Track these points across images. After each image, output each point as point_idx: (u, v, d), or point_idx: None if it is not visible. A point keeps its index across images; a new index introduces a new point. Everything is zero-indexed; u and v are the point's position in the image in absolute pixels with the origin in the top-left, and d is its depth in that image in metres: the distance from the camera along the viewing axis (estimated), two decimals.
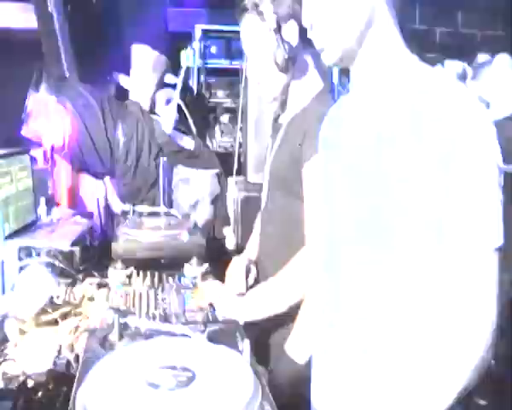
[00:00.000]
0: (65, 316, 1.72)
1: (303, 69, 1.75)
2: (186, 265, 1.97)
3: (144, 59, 3.05)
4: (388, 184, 1.06)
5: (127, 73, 3.11)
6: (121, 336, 1.18)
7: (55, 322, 1.69)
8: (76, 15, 2.94)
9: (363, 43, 1.14)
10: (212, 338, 1.14)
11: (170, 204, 2.53)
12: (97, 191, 2.79)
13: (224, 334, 1.20)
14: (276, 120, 1.92)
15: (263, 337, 1.77)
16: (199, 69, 3.89)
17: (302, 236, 1.64)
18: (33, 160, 2.56)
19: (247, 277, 1.90)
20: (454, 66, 3.46)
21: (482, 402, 2.26)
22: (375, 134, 1.10)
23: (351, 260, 1.14)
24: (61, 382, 1.22)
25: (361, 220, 1.12)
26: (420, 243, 1.04)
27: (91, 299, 1.85)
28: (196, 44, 3.86)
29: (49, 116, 2.81)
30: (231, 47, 3.86)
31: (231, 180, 2.92)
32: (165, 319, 1.50)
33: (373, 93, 1.16)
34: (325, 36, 1.15)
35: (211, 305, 1.62)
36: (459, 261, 1.01)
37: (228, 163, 3.00)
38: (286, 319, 1.68)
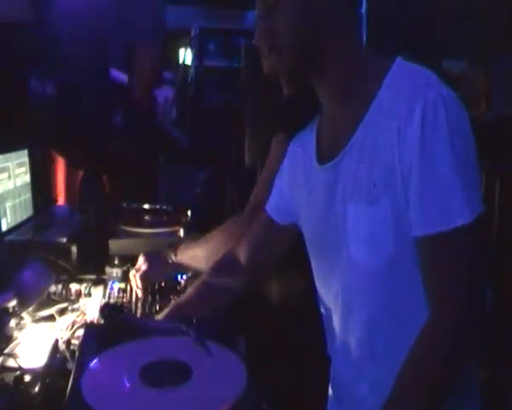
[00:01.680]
0: (62, 312, 1.73)
1: None
2: None
3: (145, 56, 3.06)
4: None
5: (125, 70, 3.12)
6: (118, 333, 1.19)
7: (52, 318, 1.70)
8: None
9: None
10: (207, 335, 1.15)
11: (167, 200, 2.54)
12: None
13: (219, 330, 1.21)
14: None
15: None
16: (196, 67, 3.90)
17: None
18: (32, 155, 2.56)
19: None
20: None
21: None
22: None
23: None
24: (58, 377, 1.23)
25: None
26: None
27: (88, 295, 1.87)
28: (194, 43, 3.87)
29: None
30: (229, 46, 3.88)
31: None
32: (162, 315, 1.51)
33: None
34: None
35: None
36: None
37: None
38: None
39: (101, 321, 1.33)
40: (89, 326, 1.43)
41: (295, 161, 1.31)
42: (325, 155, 1.19)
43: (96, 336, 1.25)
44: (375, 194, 1.05)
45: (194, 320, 1.18)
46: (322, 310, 1.31)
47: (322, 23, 1.09)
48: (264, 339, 1.64)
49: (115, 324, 1.20)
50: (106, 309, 1.25)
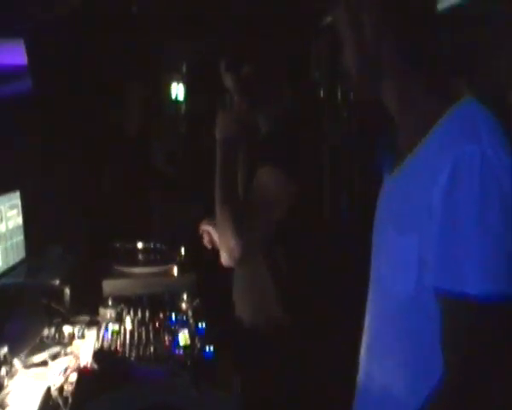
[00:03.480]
0: (54, 356, 1.70)
1: None
2: (177, 300, 1.96)
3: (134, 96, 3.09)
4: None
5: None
6: (111, 379, 1.17)
7: (45, 362, 1.67)
8: None
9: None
10: (202, 378, 1.13)
11: (161, 237, 2.52)
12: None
13: (215, 373, 1.19)
14: None
15: None
16: (188, 103, 3.93)
17: None
18: (24, 197, 2.55)
19: None
20: None
21: None
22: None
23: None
24: None
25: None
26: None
27: (81, 338, 1.84)
28: (185, 79, 3.91)
29: None
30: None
31: None
32: (156, 358, 1.49)
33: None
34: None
35: None
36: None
37: None
38: None
39: (95, 366, 1.30)
40: (82, 372, 1.40)
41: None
42: (395, 165, 1.20)
43: (90, 382, 1.23)
44: (405, 224, 1.06)
45: (189, 363, 1.16)
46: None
47: (374, 52, 1.13)
48: (260, 379, 1.61)
49: (109, 369, 1.18)
50: (99, 355, 1.22)
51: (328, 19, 3.79)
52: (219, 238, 1.67)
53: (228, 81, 1.83)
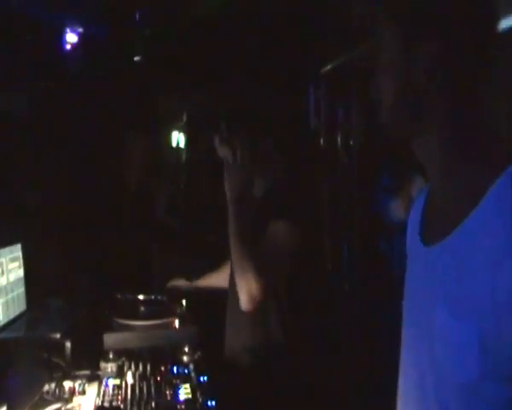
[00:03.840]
0: None
1: None
2: (178, 353, 1.95)
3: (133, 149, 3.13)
4: None
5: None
6: None
7: None
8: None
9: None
10: None
11: (162, 289, 2.51)
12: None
13: None
14: None
15: None
16: (188, 152, 3.97)
17: None
18: (26, 249, 2.56)
19: None
20: None
21: None
22: None
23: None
24: None
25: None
26: None
27: (82, 393, 1.82)
28: (186, 128, 3.96)
29: None
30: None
31: None
32: None
33: None
34: None
35: None
36: None
37: None
38: None
39: None
40: None
41: (409, 228, 1.19)
42: (428, 233, 1.07)
43: None
44: (461, 308, 0.93)
45: None
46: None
47: (419, 96, 0.98)
48: None
49: None
50: None
51: (327, 67, 3.87)
52: (239, 285, 1.80)
53: (223, 153, 1.97)
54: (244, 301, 1.78)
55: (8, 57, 2.88)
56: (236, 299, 2.03)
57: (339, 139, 4.10)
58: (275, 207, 1.93)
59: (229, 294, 2.21)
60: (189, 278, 2.54)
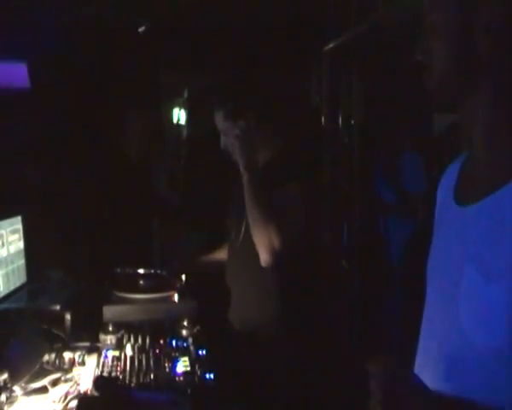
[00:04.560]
0: (55, 383, 1.70)
1: None
2: (178, 327, 1.96)
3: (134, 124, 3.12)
4: None
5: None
6: (112, 406, 1.17)
7: (45, 389, 1.66)
8: None
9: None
10: (202, 406, 1.13)
11: (162, 263, 2.53)
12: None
13: (215, 402, 1.19)
14: None
15: None
16: (189, 127, 3.95)
17: None
18: (26, 222, 2.56)
19: None
20: None
21: None
22: None
23: None
24: None
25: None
26: None
27: (82, 364, 1.84)
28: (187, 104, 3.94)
29: None
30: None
31: None
32: (157, 384, 1.49)
33: None
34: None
35: None
36: None
37: None
38: None
39: (95, 393, 1.30)
40: (82, 399, 1.40)
41: (440, 193, 1.21)
42: (464, 195, 1.07)
43: (90, 408, 1.23)
44: (493, 269, 0.93)
45: (189, 391, 1.16)
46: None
47: (476, 62, 0.97)
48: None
49: (109, 396, 1.18)
50: (99, 382, 1.22)
51: (329, 45, 3.85)
52: (260, 242, 1.96)
53: (227, 126, 2.09)
54: (265, 257, 1.95)
55: (10, 29, 2.86)
56: (239, 273, 2.06)
57: (340, 118, 4.09)
58: (277, 177, 2.03)
59: (228, 270, 2.23)
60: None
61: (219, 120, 2.12)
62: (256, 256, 2.00)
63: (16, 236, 2.49)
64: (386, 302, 3.80)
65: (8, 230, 2.40)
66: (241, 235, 2.13)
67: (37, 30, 3.03)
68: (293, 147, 2.22)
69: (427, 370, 1.06)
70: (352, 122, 4.06)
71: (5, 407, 1.55)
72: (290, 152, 2.20)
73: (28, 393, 1.64)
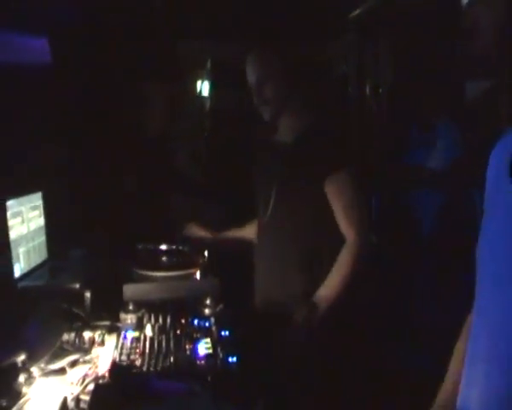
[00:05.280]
0: (73, 364, 1.65)
1: None
2: (200, 305, 1.90)
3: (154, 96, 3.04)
4: None
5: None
6: (127, 394, 1.10)
7: (63, 370, 1.62)
8: None
9: None
10: (223, 395, 1.05)
11: (183, 240, 2.45)
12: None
13: (236, 389, 1.11)
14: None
15: None
16: (212, 99, 3.87)
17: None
18: (46, 198, 2.52)
19: None
20: None
21: None
22: None
23: None
24: None
25: None
26: None
27: (101, 344, 1.79)
28: (210, 75, 3.86)
29: None
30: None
31: None
32: (176, 369, 1.42)
33: None
34: None
35: None
36: None
37: None
38: None
39: (111, 381, 1.24)
40: (97, 387, 1.34)
41: (490, 170, 1.17)
42: None
43: (106, 397, 1.17)
44: None
45: (210, 378, 1.09)
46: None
47: None
48: (283, 402, 1.54)
49: (125, 385, 1.12)
50: (116, 369, 1.16)
51: (356, 11, 3.70)
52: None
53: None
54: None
55: (30, 3, 2.80)
56: (267, 248, 1.99)
57: (367, 87, 3.96)
58: (313, 154, 1.96)
59: (256, 247, 2.14)
60: (212, 231, 2.48)
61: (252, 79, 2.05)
62: (284, 232, 1.96)
63: (36, 212, 2.45)
64: (416, 277, 3.69)
65: (28, 206, 2.36)
66: (269, 210, 2.05)
67: (56, 4, 2.96)
68: (326, 119, 2.10)
69: (483, 363, 1.02)
70: (380, 91, 3.91)
71: (23, 389, 1.51)
72: (324, 125, 2.08)
73: (46, 374, 1.60)
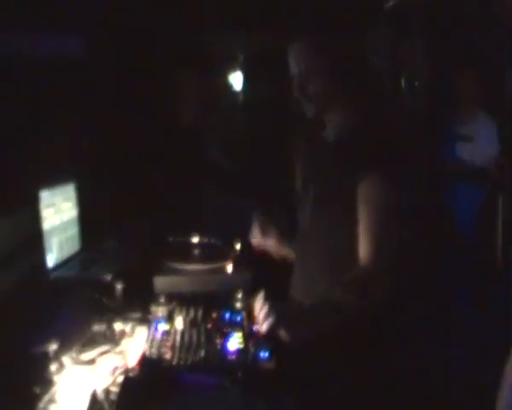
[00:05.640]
0: (103, 355, 1.64)
1: None
2: (232, 299, 1.87)
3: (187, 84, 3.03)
4: None
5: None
6: (157, 388, 1.08)
7: (93, 361, 1.61)
8: None
9: None
10: (253, 392, 1.02)
11: (214, 231, 2.43)
12: None
13: (268, 386, 1.08)
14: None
15: None
16: (245, 93, 3.85)
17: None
18: (79, 189, 2.53)
19: None
20: None
21: None
22: None
23: None
24: None
25: None
26: None
27: (131, 336, 1.78)
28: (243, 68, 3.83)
29: None
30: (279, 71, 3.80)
31: None
32: (207, 364, 1.40)
33: None
34: None
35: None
36: None
37: None
38: None
39: (141, 374, 1.22)
40: (128, 378, 1.32)
41: None
42: None
43: (135, 390, 1.15)
44: None
45: (240, 374, 1.06)
46: None
47: None
48: (312, 399, 1.49)
49: (155, 379, 1.10)
50: (146, 363, 1.14)
51: (390, 3, 3.62)
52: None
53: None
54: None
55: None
56: (305, 253, 1.88)
57: (402, 81, 3.89)
58: (350, 153, 1.73)
59: (301, 248, 1.97)
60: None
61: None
62: (324, 239, 1.78)
63: (69, 204, 2.47)
64: (451, 275, 3.61)
65: (61, 197, 2.38)
66: (307, 215, 1.85)
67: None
68: (370, 116, 1.90)
69: None
70: (416, 84, 3.84)
71: (54, 378, 1.51)
72: (367, 122, 1.81)
73: (77, 364, 1.60)
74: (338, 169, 1.75)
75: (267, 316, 1.56)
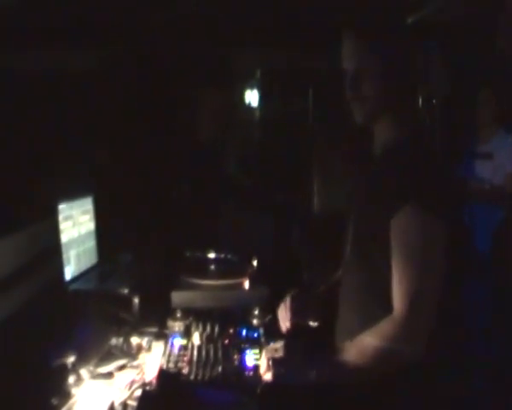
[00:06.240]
0: (121, 369, 1.65)
1: None
2: (248, 315, 1.87)
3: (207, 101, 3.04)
4: None
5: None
6: (174, 402, 1.08)
7: (111, 374, 1.62)
8: None
9: None
10: (271, 406, 1.02)
11: (230, 247, 2.43)
12: None
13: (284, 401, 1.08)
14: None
15: None
16: (262, 109, 3.87)
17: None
18: (97, 203, 2.55)
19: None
20: None
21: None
22: None
23: None
24: None
25: None
26: None
27: (148, 350, 1.78)
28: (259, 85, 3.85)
29: None
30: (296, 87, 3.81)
31: None
32: (224, 379, 1.40)
33: None
34: None
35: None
36: None
37: None
38: None
39: (159, 388, 1.22)
40: (146, 392, 1.33)
41: None
42: None
43: (153, 404, 1.15)
44: None
45: (258, 390, 1.06)
46: None
47: None
48: None
49: (172, 393, 1.10)
50: (163, 377, 1.14)
51: (408, 19, 3.62)
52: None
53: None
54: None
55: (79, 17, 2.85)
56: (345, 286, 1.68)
57: (420, 99, 3.87)
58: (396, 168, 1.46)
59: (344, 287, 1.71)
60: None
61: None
62: (360, 273, 1.56)
63: (87, 217, 2.48)
64: (469, 294, 3.56)
65: (80, 210, 2.40)
66: (349, 244, 1.63)
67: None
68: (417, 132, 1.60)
69: None
70: (434, 101, 3.82)
71: (72, 390, 1.52)
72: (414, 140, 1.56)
73: (95, 377, 1.60)
74: (374, 196, 1.51)
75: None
